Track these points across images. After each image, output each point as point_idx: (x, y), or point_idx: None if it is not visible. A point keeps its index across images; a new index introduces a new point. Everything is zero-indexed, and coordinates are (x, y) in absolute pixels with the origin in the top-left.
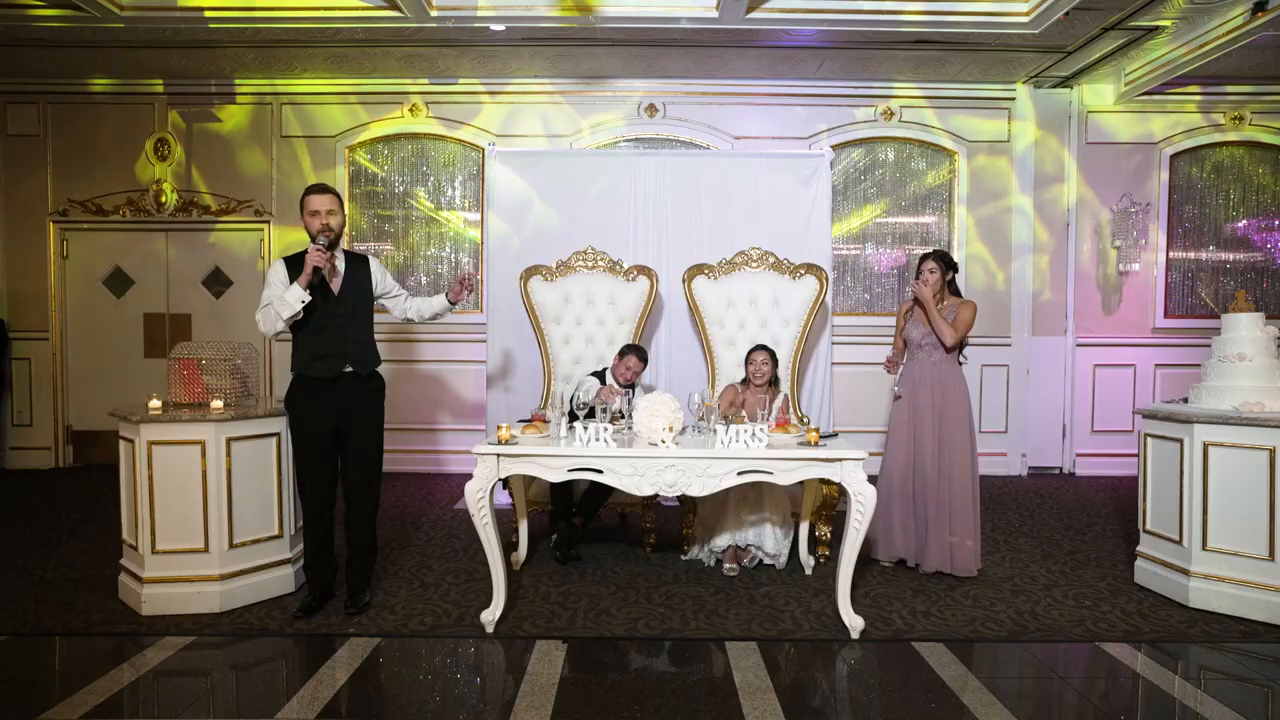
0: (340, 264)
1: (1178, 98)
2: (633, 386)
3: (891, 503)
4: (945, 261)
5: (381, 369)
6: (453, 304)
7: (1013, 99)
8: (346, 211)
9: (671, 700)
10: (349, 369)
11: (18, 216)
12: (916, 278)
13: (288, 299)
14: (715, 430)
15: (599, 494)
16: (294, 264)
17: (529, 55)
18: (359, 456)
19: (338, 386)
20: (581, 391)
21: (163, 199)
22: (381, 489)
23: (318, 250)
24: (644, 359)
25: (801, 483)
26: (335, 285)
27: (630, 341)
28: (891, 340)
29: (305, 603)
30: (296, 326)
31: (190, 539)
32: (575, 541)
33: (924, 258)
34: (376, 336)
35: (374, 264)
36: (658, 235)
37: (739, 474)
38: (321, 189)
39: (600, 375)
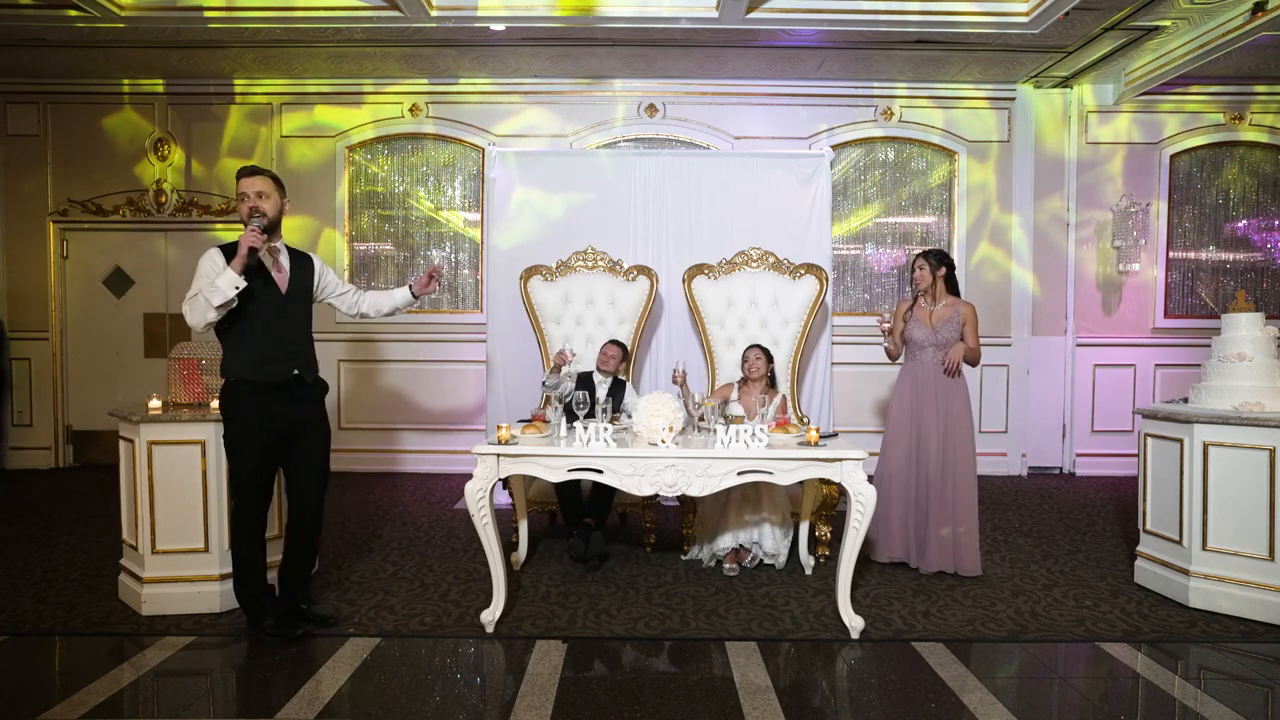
0: (284, 259)
1: (1177, 98)
2: (622, 384)
3: (890, 504)
4: (936, 259)
5: (379, 369)
6: (416, 297)
7: (1013, 99)
8: (347, 212)
9: (671, 700)
10: (296, 372)
11: (18, 216)
12: (911, 280)
13: (219, 285)
14: (715, 430)
15: (606, 493)
16: (230, 252)
17: (529, 55)
18: (314, 467)
19: (286, 393)
20: (551, 381)
21: (163, 199)
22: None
23: (253, 231)
24: (620, 346)
25: (801, 483)
26: (282, 281)
27: (631, 341)
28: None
29: (276, 620)
30: (235, 326)
31: (190, 539)
32: (601, 544)
33: (915, 258)
34: (386, 335)
35: (317, 263)
36: (658, 235)
37: (739, 474)
38: (252, 171)
39: (589, 375)
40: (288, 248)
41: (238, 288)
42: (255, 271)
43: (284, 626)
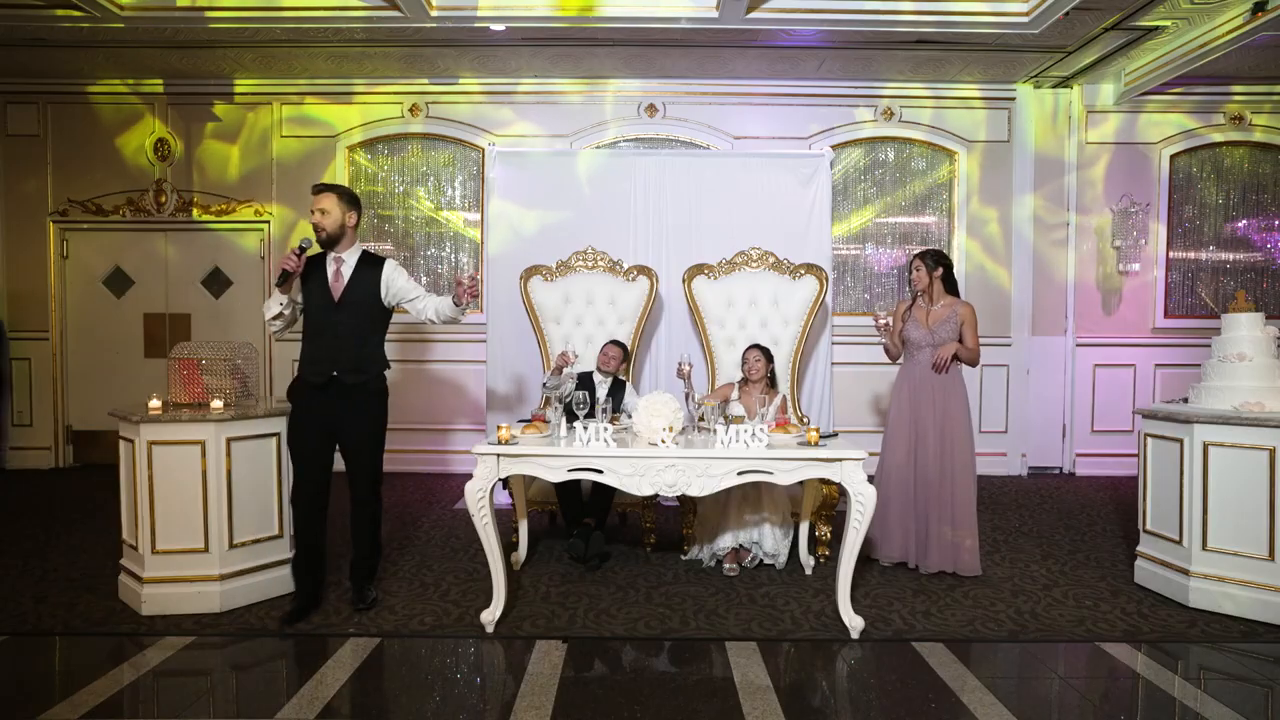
0: (347, 269)
1: (1177, 98)
2: (622, 384)
3: (890, 504)
4: (932, 260)
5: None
6: (459, 307)
7: (1013, 99)
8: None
9: (671, 700)
10: (335, 374)
11: (18, 216)
12: (909, 280)
13: (269, 302)
14: (715, 430)
15: (606, 493)
16: (314, 264)
17: (529, 55)
18: (357, 463)
19: (329, 392)
20: (552, 383)
21: (163, 199)
22: (382, 492)
23: (290, 254)
24: (621, 347)
25: (801, 483)
26: (337, 291)
27: (631, 341)
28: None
29: (294, 608)
30: (302, 331)
31: (190, 539)
32: (601, 544)
33: (912, 258)
34: (387, 335)
35: (388, 269)
36: (658, 235)
37: (739, 474)
38: (319, 188)
39: (589, 376)
40: (366, 254)
41: (281, 303)
42: (309, 282)
43: (298, 611)
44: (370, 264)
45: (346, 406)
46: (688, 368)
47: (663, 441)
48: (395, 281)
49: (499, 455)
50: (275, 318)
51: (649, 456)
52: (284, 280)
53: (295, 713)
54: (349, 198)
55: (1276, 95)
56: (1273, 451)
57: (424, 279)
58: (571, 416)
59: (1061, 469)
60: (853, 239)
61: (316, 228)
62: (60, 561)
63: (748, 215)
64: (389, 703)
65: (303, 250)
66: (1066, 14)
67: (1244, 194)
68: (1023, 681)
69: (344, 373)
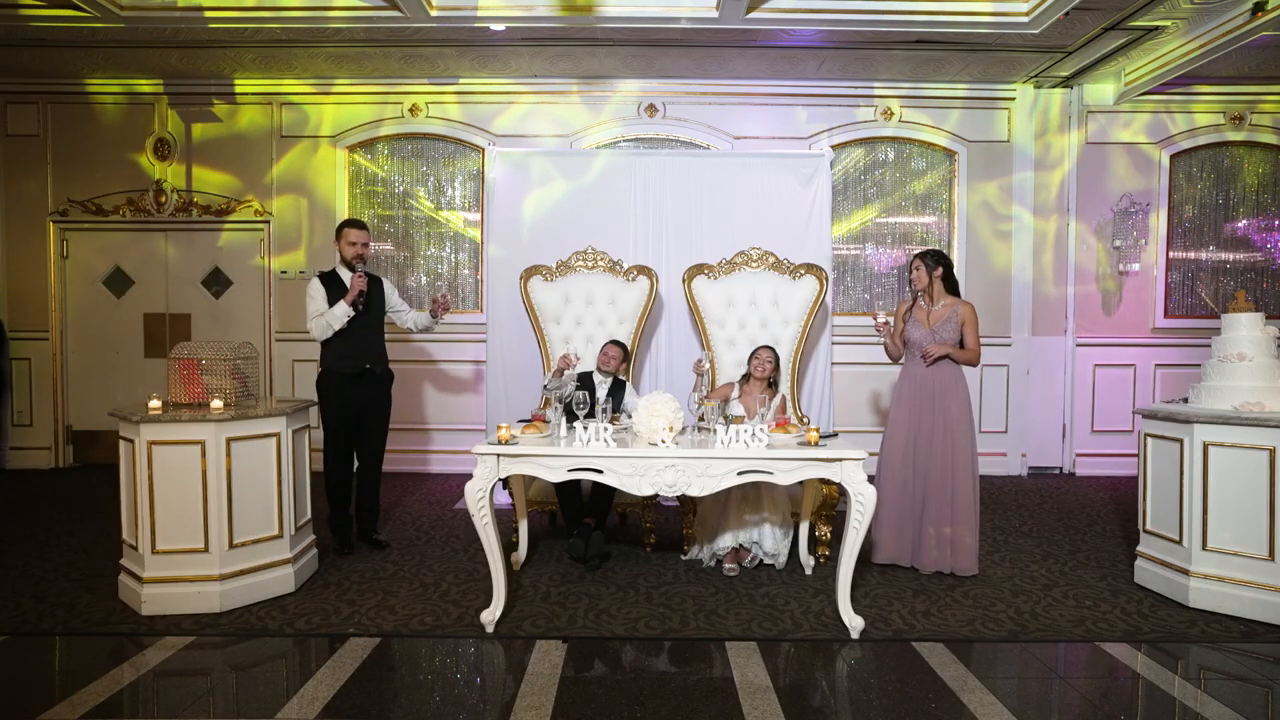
0: (364, 284)
1: (1177, 98)
2: (622, 384)
3: (889, 505)
4: (932, 260)
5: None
6: (434, 319)
7: (1013, 99)
8: (347, 212)
9: (671, 700)
10: (368, 366)
11: (18, 216)
12: (909, 280)
13: (337, 313)
14: (715, 430)
15: (606, 493)
16: (326, 279)
17: (529, 55)
18: (374, 435)
19: (360, 380)
20: (553, 384)
21: (162, 199)
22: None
23: (360, 277)
24: (621, 347)
25: (801, 483)
26: (361, 301)
27: (631, 341)
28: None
29: (339, 549)
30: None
31: (190, 539)
32: (601, 544)
33: (912, 259)
34: (387, 335)
35: (387, 284)
36: (658, 235)
37: (739, 474)
38: (358, 224)
39: (589, 376)
40: (367, 273)
41: (349, 316)
42: (340, 297)
43: (345, 547)
44: (374, 280)
45: (372, 391)
46: (707, 365)
47: (663, 441)
48: (393, 296)
49: (499, 455)
50: (341, 328)
51: (649, 456)
52: (359, 298)
53: (295, 713)
54: (367, 230)
55: (1276, 95)
56: (1273, 451)
57: (424, 279)
58: (571, 416)
59: (1061, 469)
60: (853, 239)
61: (359, 257)
62: (60, 561)
63: (748, 215)
64: (389, 703)
65: (363, 274)
66: (1066, 14)
67: (1244, 194)
68: (1023, 681)
69: (373, 363)
